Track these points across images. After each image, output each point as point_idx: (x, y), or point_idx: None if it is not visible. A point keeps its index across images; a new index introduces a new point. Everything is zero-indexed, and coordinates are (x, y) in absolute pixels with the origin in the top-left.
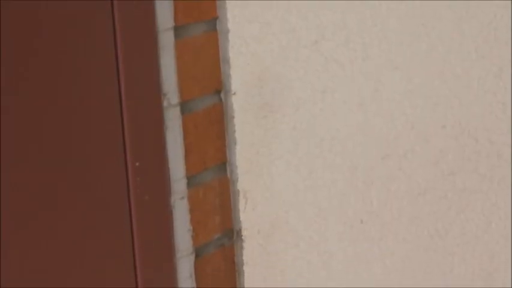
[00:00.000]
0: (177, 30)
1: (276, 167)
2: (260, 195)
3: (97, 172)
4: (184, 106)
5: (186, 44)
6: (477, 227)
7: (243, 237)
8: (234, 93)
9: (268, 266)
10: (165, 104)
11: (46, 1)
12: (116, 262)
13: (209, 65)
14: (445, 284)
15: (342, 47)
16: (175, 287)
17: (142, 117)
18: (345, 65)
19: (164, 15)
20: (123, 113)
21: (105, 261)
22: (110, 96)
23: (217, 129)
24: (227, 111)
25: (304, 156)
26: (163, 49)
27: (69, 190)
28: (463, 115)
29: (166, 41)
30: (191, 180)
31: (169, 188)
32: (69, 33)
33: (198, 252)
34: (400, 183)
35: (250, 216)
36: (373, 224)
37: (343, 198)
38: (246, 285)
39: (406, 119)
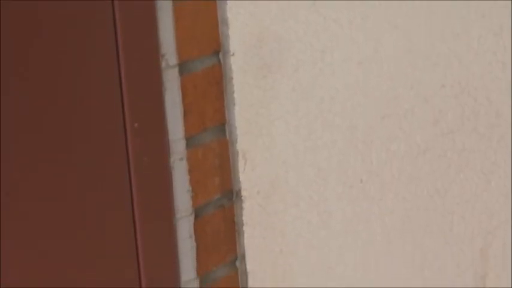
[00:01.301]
0: None
1: (276, 128)
2: (259, 155)
3: (96, 134)
4: (182, 67)
5: (184, 4)
6: (476, 186)
7: (242, 198)
8: (233, 54)
9: (268, 226)
10: (163, 65)
11: None
12: (115, 224)
13: (207, 26)
14: (445, 242)
15: (341, 6)
16: (175, 247)
17: (141, 78)
18: (344, 24)
19: None
20: (122, 75)
21: (105, 223)
22: (108, 58)
23: (216, 90)
24: (226, 72)
25: (304, 116)
26: (161, 10)
27: (67, 152)
28: (463, 74)
29: (165, 1)
30: (190, 141)
31: (169, 149)
32: None
33: (198, 213)
34: (400, 142)
35: (249, 176)
36: (373, 184)
37: (342, 158)
38: (246, 246)
39: (406, 79)
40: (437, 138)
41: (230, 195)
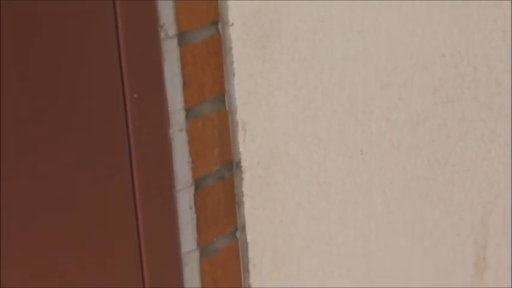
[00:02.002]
0: None
1: (275, 98)
2: (259, 126)
3: (95, 105)
4: (181, 38)
5: None
6: (476, 155)
7: (242, 169)
8: (232, 24)
9: (268, 197)
10: (162, 35)
11: None
12: (114, 195)
13: None
14: (445, 211)
15: None
16: (175, 218)
17: (140, 49)
18: None
19: None
20: (120, 46)
21: (104, 195)
22: (107, 29)
23: (215, 61)
24: (225, 42)
25: (304, 86)
26: None
27: (67, 124)
28: (463, 43)
29: None
30: (190, 112)
31: (168, 120)
32: None
33: (198, 184)
34: (400, 112)
35: (249, 147)
36: (373, 154)
37: (342, 128)
38: (246, 216)
39: (405, 48)
40: (437, 107)
41: (230, 166)
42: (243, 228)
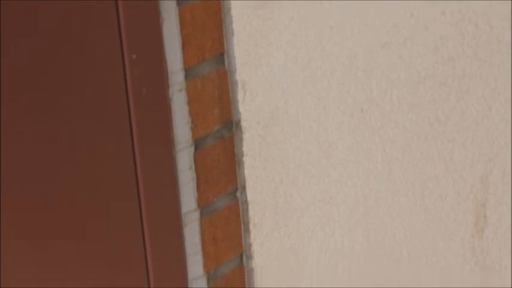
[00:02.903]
0: None
1: (275, 58)
2: (259, 86)
3: (94, 66)
4: None
5: None
6: (477, 112)
7: (242, 129)
8: None
9: (268, 156)
10: None
11: None
12: (114, 155)
13: None
14: (446, 170)
15: None
16: (175, 179)
17: (138, 9)
18: None
19: None
20: (119, 6)
21: (104, 155)
22: None
23: (214, 21)
24: (224, 2)
25: (303, 46)
26: None
27: (65, 86)
28: (463, 1)
29: None
30: (189, 72)
31: (167, 80)
32: None
33: (198, 144)
34: (400, 70)
35: (249, 107)
36: (373, 113)
37: (342, 87)
38: (246, 176)
39: (406, 6)
40: (437, 65)
41: (230, 126)
42: (243, 188)
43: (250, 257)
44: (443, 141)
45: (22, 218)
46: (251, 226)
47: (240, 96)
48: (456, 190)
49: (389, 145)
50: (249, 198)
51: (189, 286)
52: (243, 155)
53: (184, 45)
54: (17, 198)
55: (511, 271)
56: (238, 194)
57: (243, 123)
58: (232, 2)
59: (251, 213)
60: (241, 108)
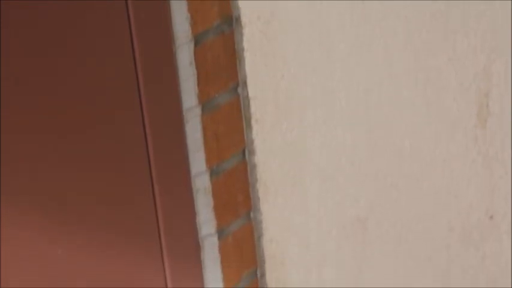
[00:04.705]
0: None
1: None
2: None
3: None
4: None
5: None
6: (480, 3)
7: (242, 24)
8: None
9: (269, 52)
10: None
11: None
12: (113, 51)
13: None
14: (448, 60)
15: None
16: (175, 75)
17: None
18: None
19: None
20: None
21: (104, 56)
22: None
23: None
24: None
25: None
26: None
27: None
28: None
29: None
30: None
31: None
32: None
33: (198, 40)
34: None
35: (249, 2)
36: (374, 5)
37: None
38: (247, 72)
39: None
40: None
41: (230, 21)
42: (245, 84)
43: (252, 153)
44: (445, 33)
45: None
46: (253, 122)
47: None
48: (459, 81)
49: (391, 37)
50: (250, 94)
51: (191, 182)
52: (243, 51)
53: None
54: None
55: None
56: (239, 90)
57: (243, 19)
58: None
59: (253, 109)
60: (241, 3)
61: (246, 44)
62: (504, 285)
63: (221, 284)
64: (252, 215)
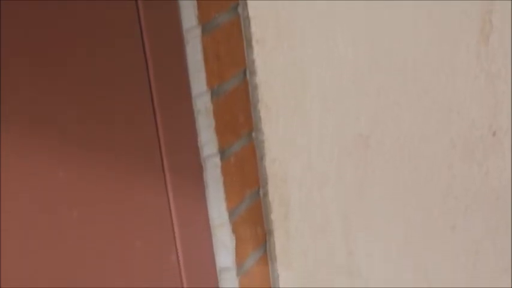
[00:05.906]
0: None
1: None
2: None
3: None
4: None
5: None
6: None
7: None
8: None
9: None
10: None
11: None
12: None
13: None
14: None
15: None
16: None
17: None
18: None
19: None
20: None
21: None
22: None
23: None
24: None
25: None
26: None
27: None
28: None
29: None
30: None
31: None
32: None
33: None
34: None
35: None
36: None
37: None
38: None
39: None
40: None
41: None
42: (245, 3)
43: (253, 73)
44: None
45: None
46: (254, 42)
47: None
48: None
49: None
50: (250, 14)
51: (192, 103)
52: None
53: None
54: None
55: None
56: (239, 9)
57: None
58: None
59: (253, 29)
60: None
61: None
62: (506, 201)
63: (224, 204)
64: (253, 135)
